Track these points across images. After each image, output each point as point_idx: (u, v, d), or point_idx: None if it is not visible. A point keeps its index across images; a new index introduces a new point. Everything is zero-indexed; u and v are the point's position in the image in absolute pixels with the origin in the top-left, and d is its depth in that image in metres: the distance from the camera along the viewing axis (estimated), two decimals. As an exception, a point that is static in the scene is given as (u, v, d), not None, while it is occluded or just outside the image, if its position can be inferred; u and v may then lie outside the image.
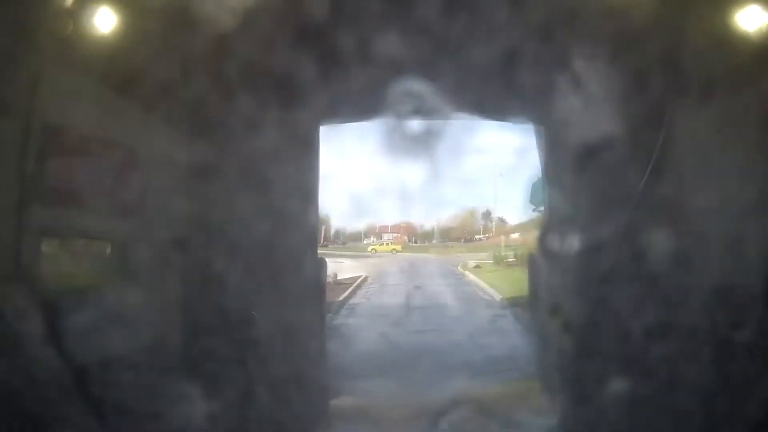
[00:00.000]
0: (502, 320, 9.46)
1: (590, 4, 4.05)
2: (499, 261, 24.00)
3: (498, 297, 12.04)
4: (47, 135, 4.07)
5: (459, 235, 41.84)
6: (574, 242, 5.44)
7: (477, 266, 21.98)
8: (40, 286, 3.92)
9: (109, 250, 5.20)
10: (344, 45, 3.95)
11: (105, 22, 3.86)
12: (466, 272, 20.56)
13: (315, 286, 6.11)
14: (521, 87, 5.06)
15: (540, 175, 6.54)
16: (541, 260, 6.07)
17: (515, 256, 21.74)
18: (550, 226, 6.11)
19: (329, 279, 10.32)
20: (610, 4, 4.02)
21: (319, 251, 6.68)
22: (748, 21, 3.93)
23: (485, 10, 4.23)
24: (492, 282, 15.11)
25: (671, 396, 1.48)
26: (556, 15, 4.13)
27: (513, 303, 10.03)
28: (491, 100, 5.35)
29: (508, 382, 2.41)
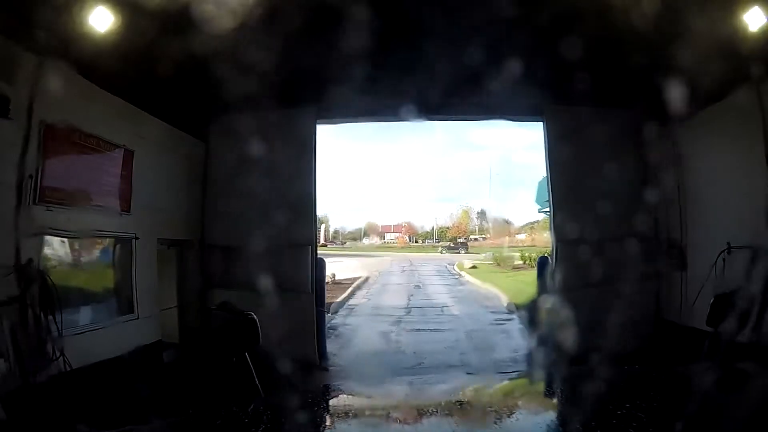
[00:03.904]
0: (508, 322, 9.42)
1: (592, 5, 4.05)
2: (498, 262, 24.06)
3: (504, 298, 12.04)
4: (47, 135, 4.07)
5: (455, 235, 41.75)
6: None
7: (474, 266, 22.13)
8: (41, 285, 3.91)
9: (110, 249, 5.20)
10: (344, 45, 3.94)
11: (104, 21, 3.85)
12: (463, 272, 20.64)
13: (314, 286, 6.11)
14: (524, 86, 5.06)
15: (545, 175, 6.47)
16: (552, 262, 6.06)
17: (522, 257, 21.78)
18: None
19: (328, 279, 10.36)
20: (611, 5, 4.01)
21: (319, 251, 6.65)
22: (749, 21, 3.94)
23: (487, 10, 4.21)
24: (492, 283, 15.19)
25: (673, 396, 1.48)
26: (558, 16, 4.13)
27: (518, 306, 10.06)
28: (492, 99, 5.35)
29: (507, 380, 2.41)
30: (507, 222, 37.79)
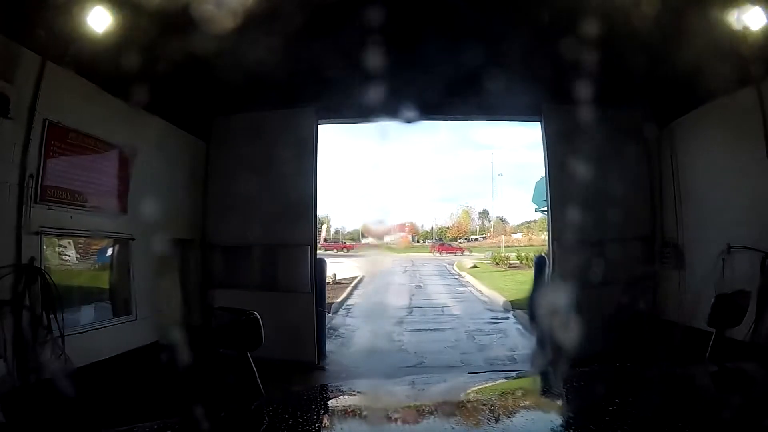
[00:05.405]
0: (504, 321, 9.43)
1: (591, 4, 4.05)
2: (497, 261, 24.13)
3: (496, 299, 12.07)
4: (48, 135, 4.07)
5: (456, 235, 41.88)
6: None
7: (474, 266, 22.12)
8: (42, 284, 3.92)
9: (109, 249, 5.21)
10: (344, 45, 3.95)
11: (104, 21, 3.85)
12: (463, 273, 20.60)
13: (314, 286, 6.10)
14: (522, 86, 5.06)
15: (543, 175, 6.47)
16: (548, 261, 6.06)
17: (519, 257, 21.84)
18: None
19: (329, 279, 10.36)
20: (610, 5, 4.02)
21: (319, 252, 6.66)
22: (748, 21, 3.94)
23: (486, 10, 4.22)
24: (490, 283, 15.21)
25: (673, 393, 1.49)
26: (557, 16, 4.13)
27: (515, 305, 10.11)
28: (491, 98, 5.35)
29: (507, 380, 2.42)
30: (503, 221, 37.84)
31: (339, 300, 11.64)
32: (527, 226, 35.30)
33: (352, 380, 4.92)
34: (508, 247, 29.75)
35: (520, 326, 8.44)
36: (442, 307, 11.41)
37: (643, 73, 4.43)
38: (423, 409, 1.54)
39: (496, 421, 1.41)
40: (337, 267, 15.56)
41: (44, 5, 3.54)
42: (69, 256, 4.71)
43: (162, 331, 5.56)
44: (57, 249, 4.52)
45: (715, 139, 5.19)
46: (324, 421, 1.50)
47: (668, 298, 5.88)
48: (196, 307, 5.82)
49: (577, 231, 5.66)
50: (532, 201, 16.72)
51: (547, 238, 6.58)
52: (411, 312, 10.64)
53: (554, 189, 6.15)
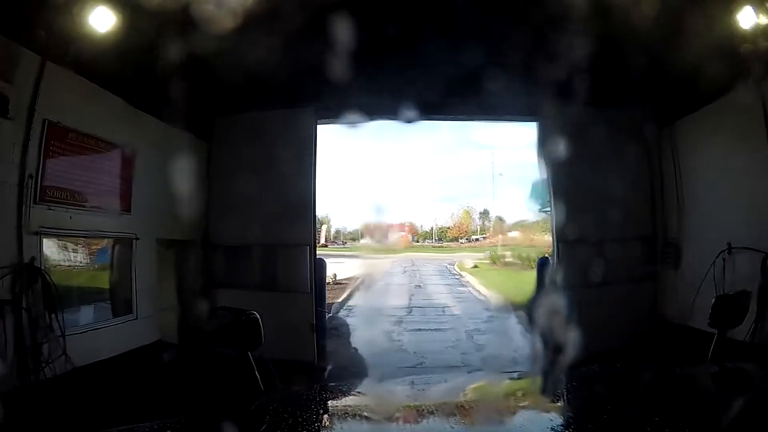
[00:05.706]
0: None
1: (591, 4, 4.05)
2: (494, 260, 24.08)
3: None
4: (48, 135, 4.07)
5: (456, 235, 41.67)
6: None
7: (475, 266, 22.08)
8: (42, 284, 3.92)
9: (110, 248, 5.20)
10: (344, 45, 3.95)
11: (104, 21, 3.85)
12: (464, 273, 20.57)
13: (314, 287, 6.10)
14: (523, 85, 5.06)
15: (540, 175, 6.46)
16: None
17: (519, 257, 21.74)
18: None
19: (329, 279, 10.36)
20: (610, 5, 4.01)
21: (319, 252, 6.65)
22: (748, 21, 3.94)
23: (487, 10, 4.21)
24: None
25: (673, 392, 1.49)
26: (557, 15, 4.13)
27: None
28: (491, 98, 5.34)
29: (507, 380, 2.42)
30: (501, 220, 37.74)
31: (339, 300, 11.64)
32: (521, 224, 35.09)
33: (352, 380, 4.92)
34: (505, 246, 29.68)
35: (521, 327, 8.44)
36: (443, 307, 11.40)
37: (643, 73, 4.42)
38: (423, 409, 1.54)
39: (496, 421, 1.41)
40: (337, 267, 15.54)
41: (44, 5, 3.54)
42: (69, 255, 4.71)
43: (163, 331, 5.57)
44: (57, 249, 4.52)
45: (716, 139, 5.18)
46: (324, 421, 1.50)
47: (669, 298, 5.88)
48: (197, 307, 5.82)
49: (579, 231, 5.67)
50: (530, 200, 16.65)
51: (548, 238, 6.58)
52: (410, 312, 10.63)
53: (556, 189, 6.14)
